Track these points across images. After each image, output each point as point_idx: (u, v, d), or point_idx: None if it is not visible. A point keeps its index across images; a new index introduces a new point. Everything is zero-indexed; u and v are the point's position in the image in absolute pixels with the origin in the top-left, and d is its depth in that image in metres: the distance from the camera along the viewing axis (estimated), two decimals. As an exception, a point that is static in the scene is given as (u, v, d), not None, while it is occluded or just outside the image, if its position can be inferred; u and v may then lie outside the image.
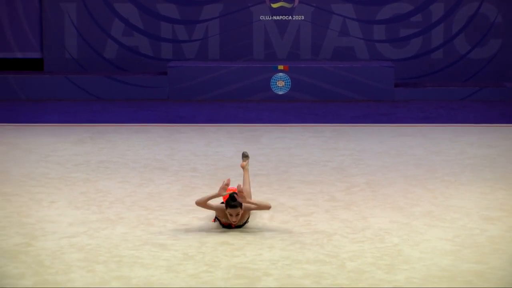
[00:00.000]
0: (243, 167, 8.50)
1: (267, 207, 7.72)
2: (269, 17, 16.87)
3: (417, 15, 16.78)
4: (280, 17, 16.89)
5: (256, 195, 8.91)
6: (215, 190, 7.75)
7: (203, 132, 12.65)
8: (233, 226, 7.59)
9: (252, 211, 7.80)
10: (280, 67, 16.07)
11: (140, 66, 16.81)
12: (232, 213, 7.47)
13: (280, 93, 16.05)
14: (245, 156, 8.66)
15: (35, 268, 6.52)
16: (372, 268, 6.64)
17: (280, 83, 16.02)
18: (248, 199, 7.65)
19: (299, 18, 16.92)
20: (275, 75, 16.06)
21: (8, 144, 11.51)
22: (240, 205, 7.48)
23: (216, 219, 7.71)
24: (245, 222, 7.69)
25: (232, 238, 7.38)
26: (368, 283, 6.31)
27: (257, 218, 8.01)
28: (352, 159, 10.75)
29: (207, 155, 10.99)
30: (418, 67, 16.79)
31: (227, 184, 7.65)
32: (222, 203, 7.68)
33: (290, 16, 16.89)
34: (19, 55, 16.73)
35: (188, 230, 7.62)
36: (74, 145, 11.54)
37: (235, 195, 7.48)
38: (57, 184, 9.37)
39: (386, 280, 6.38)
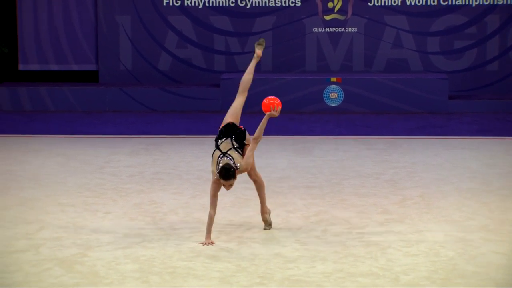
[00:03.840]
0: (259, 56, 8.74)
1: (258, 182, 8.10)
2: (322, 29, 16.85)
3: (471, 27, 16.61)
4: (333, 29, 16.86)
5: (309, 208, 8.89)
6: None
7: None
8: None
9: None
10: (333, 79, 16.04)
11: (193, 78, 16.91)
12: (226, 184, 7.60)
13: (333, 105, 16.01)
14: (259, 44, 8.66)
15: (91, 279, 6.59)
16: (427, 282, 6.57)
17: (333, 95, 15.98)
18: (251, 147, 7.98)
19: (352, 30, 16.87)
20: (328, 87, 16.03)
21: (64, 155, 11.66)
22: (234, 176, 7.59)
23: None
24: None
25: (285, 250, 7.38)
26: (422, 297, 6.26)
27: (310, 231, 7.98)
28: (405, 172, 10.67)
29: (260, 167, 10.95)
30: (473, 79, 16.61)
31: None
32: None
33: (343, 28, 16.85)
34: (75, 67, 16.95)
35: (241, 242, 7.62)
36: (129, 157, 11.64)
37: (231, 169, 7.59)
38: (111, 195, 9.46)
39: (441, 295, 6.32)
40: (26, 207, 8.86)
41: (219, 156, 7.75)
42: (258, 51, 8.60)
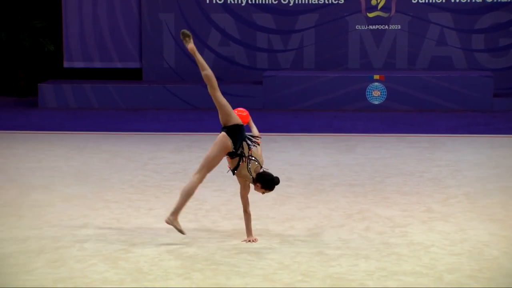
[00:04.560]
0: (192, 50, 7.83)
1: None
2: (365, 27, 16.78)
3: (517, 24, 16.44)
4: (376, 26, 16.78)
5: (351, 206, 8.86)
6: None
7: (298, 142, 12.66)
8: None
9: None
10: (376, 76, 15.97)
11: (236, 76, 16.94)
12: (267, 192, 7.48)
13: (376, 102, 15.94)
14: (185, 35, 7.85)
15: (134, 275, 6.64)
16: (471, 281, 6.52)
17: (376, 93, 15.91)
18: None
19: (396, 28, 16.77)
20: (370, 85, 15.96)
21: (108, 152, 11.76)
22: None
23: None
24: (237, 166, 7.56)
25: (328, 248, 7.36)
26: (466, 297, 6.21)
27: (352, 229, 7.97)
28: (449, 170, 10.59)
29: (301, 165, 10.99)
30: (518, 77, 16.44)
31: None
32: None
33: (386, 26, 16.76)
34: (119, 65, 17.09)
35: (283, 240, 7.63)
36: (172, 154, 11.70)
37: None
38: (155, 192, 9.52)
39: (485, 294, 6.27)
40: (71, 203, 8.95)
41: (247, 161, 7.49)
42: (189, 45, 7.89)
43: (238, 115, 7.65)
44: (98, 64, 17.16)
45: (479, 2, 16.53)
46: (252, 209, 8.71)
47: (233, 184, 9.88)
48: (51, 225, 8.08)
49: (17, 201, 9.01)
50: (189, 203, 8.91)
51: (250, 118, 7.91)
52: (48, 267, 6.79)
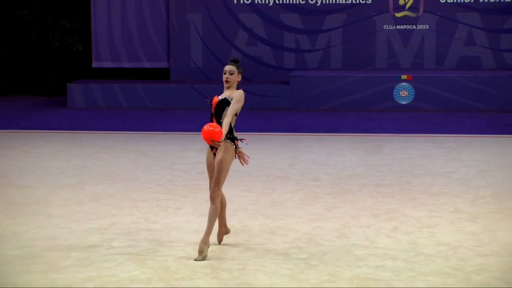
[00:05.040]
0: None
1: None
2: (393, 27, 16.72)
3: (546, 23, 16.31)
4: (404, 26, 16.70)
5: (379, 206, 8.83)
6: None
7: (325, 142, 12.64)
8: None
9: None
10: (404, 76, 15.90)
11: (263, 76, 16.95)
12: (227, 69, 7.15)
13: (403, 102, 15.87)
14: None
15: (162, 274, 6.66)
16: (499, 282, 6.47)
17: (403, 93, 15.84)
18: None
19: (424, 27, 16.69)
20: (398, 85, 15.89)
21: (136, 152, 11.81)
22: (238, 67, 7.17)
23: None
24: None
25: (355, 248, 7.34)
26: (494, 298, 6.17)
27: (380, 229, 7.94)
28: (477, 170, 10.52)
29: (329, 165, 10.97)
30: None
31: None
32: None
33: (414, 25, 16.68)
34: (147, 65, 17.16)
35: (310, 240, 7.62)
36: (199, 153, 11.71)
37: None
38: (182, 191, 9.54)
39: (513, 295, 6.23)
40: (99, 202, 9.00)
41: None
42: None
43: (210, 131, 7.01)
44: (126, 64, 17.24)
45: (508, 2, 16.40)
46: (278, 209, 8.73)
47: (260, 184, 9.89)
48: (79, 224, 8.13)
49: (46, 200, 9.07)
50: (217, 203, 8.94)
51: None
52: (77, 266, 6.83)
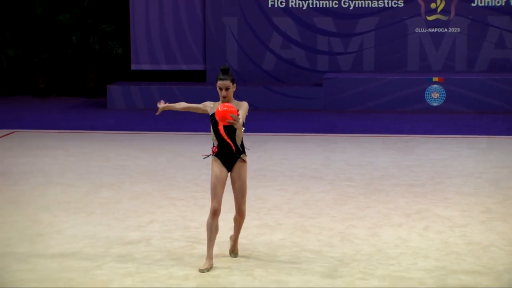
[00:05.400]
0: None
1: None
2: (425, 30, 16.63)
3: None
4: (436, 29, 16.61)
5: (410, 205, 8.80)
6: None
7: (358, 142, 12.61)
8: (220, 108, 6.64)
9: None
10: (435, 79, 15.81)
11: (297, 78, 16.95)
12: (222, 86, 6.76)
13: (435, 104, 15.79)
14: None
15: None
16: (530, 281, 6.43)
17: (435, 95, 15.76)
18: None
19: (455, 30, 16.59)
20: (429, 87, 15.81)
21: (173, 152, 11.87)
22: (232, 79, 6.77)
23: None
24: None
25: (387, 246, 7.33)
26: (525, 297, 6.13)
27: (412, 228, 7.91)
28: (507, 171, 10.44)
29: (362, 165, 10.95)
30: None
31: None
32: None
33: (445, 29, 16.59)
34: (184, 67, 17.23)
35: (343, 238, 7.61)
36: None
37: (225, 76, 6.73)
38: (218, 190, 9.55)
39: (544, 294, 6.17)
40: (138, 200, 9.06)
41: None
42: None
43: (224, 110, 6.63)
44: (164, 66, 17.33)
45: (539, 5, 16.26)
46: (312, 208, 8.73)
47: (293, 184, 9.90)
48: (119, 221, 8.19)
49: (87, 198, 9.15)
50: (252, 202, 8.98)
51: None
52: (117, 262, 6.89)
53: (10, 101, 17.78)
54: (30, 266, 6.76)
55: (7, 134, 13.37)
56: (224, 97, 6.82)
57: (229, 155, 6.84)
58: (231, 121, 6.63)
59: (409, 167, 10.72)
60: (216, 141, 6.85)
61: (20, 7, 18.12)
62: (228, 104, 6.74)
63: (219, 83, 6.80)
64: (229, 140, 6.79)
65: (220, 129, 6.77)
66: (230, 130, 6.81)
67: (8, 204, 8.87)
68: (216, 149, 6.85)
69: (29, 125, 14.38)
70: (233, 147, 6.82)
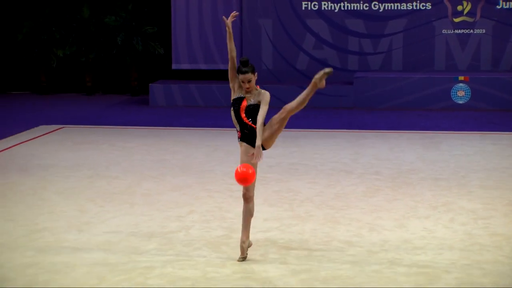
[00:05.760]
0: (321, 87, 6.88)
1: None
2: (451, 31, 16.50)
3: None
4: (462, 30, 16.47)
5: (436, 198, 8.74)
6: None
7: (386, 138, 12.55)
8: (246, 91, 6.64)
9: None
10: (461, 77, 15.68)
11: (328, 77, 16.82)
12: (244, 79, 6.63)
13: (460, 102, 15.66)
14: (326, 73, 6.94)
15: (235, 257, 6.69)
16: (550, 272, 6.35)
17: (461, 93, 15.63)
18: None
19: (481, 32, 16.43)
20: (455, 85, 15.68)
21: (210, 147, 11.90)
22: (252, 70, 6.61)
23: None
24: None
25: (414, 237, 7.28)
26: (546, 286, 6.05)
27: (437, 220, 7.86)
28: (530, 166, 10.33)
29: (389, 160, 10.89)
30: None
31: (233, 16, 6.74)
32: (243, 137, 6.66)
33: (471, 30, 16.44)
34: (221, 66, 17.25)
35: (371, 229, 7.58)
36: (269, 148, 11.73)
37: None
38: (253, 183, 9.56)
39: None
40: (178, 192, 9.10)
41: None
42: (323, 83, 6.97)
43: (243, 172, 6.43)
44: (202, 66, 17.37)
45: (561, 7, 16.05)
46: (342, 200, 8.70)
47: (325, 177, 9.88)
48: (160, 212, 8.23)
49: (130, 190, 9.21)
50: (285, 194, 8.98)
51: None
52: (158, 250, 6.93)
53: (59, 98, 17.96)
54: (77, 254, 6.83)
55: (56, 129, 13.50)
56: (247, 89, 6.73)
57: (252, 137, 6.74)
58: (255, 164, 6.53)
59: (434, 162, 10.65)
60: (238, 125, 6.81)
61: (69, 10, 18.28)
62: (246, 165, 6.48)
63: (241, 77, 6.68)
64: (250, 123, 6.69)
65: (242, 116, 6.72)
66: (252, 113, 6.70)
67: (57, 195, 8.96)
68: (240, 134, 6.83)
69: (77, 121, 14.50)
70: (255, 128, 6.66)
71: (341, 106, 15.99)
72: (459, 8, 16.46)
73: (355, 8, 16.76)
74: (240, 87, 6.79)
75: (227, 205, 8.52)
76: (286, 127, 11.65)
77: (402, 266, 6.49)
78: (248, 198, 6.71)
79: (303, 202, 8.64)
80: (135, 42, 17.66)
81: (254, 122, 6.71)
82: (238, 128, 6.81)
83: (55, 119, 14.63)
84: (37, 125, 13.84)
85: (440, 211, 8.17)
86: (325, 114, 15.14)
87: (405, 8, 16.62)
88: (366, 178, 9.78)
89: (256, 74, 6.76)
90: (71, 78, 18.88)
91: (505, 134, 12.85)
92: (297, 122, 14.28)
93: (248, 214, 6.72)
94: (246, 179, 6.43)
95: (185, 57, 17.39)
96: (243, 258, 6.67)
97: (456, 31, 16.50)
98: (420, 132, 13.16)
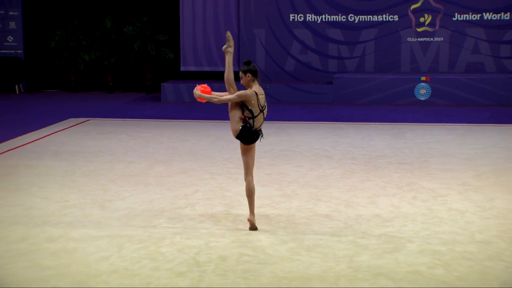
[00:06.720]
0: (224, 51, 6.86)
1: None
2: (415, 39, 16.47)
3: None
4: (423, 38, 16.45)
5: (402, 180, 8.73)
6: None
7: (360, 129, 12.53)
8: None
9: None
10: (423, 78, 15.67)
11: (312, 77, 16.88)
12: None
13: (422, 99, 15.65)
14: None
15: (233, 230, 6.68)
16: (497, 239, 6.37)
17: (423, 91, 15.62)
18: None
19: (439, 40, 16.41)
20: (418, 85, 15.67)
21: (214, 136, 11.87)
22: (243, 70, 6.51)
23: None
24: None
25: (383, 212, 7.28)
26: (493, 251, 6.06)
27: (402, 197, 7.85)
28: (481, 152, 10.33)
29: (363, 147, 10.88)
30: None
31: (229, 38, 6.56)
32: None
33: (431, 38, 16.42)
34: (222, 68, 17.16)
35: (348, 205, 7.58)
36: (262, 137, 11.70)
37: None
38: (249, 166, 9.52)
39: (509, 250, 6.10)
40: (185, 174, 9.07)
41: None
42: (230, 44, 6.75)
43: (203, 91, 6.60)
44: (206, 68, 17.32)
45: (507, 19, 16.03)
46: (323, 181, 8.69)
47: (309, 162, 9.86)
48: (170, 191, 8.22)
49: (145, 173, 9.19)
50: (275, 176, 8.96)
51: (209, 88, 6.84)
52: (168, 223, 6.92)
53: (85, 96, 17.90)
54: (101, 226, 6.82)
55: (83, 122, 13.46)
56: (245, 85, 6.72)
57: (250, 129, 6.76)
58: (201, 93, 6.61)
59: (400, 149, 10.64)
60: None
61: (94, 21, 18.21)
62: (202, 85, 6.77)
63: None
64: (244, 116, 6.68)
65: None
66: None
67: (84, 176, 8.93)
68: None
69: (100, 114, 14.46)
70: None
71: (323, 102, 15.97)
72: (421, 19, 16.43)
73: (335, 20, 16.72)
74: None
75: (226, 185, 8.50)
76: (278, 120, 11.77)
77: (373, 236, 6.50)
78: (244, 180, 6.71)
79: (290, 182, 8.64)
80: (149, 48, 17.59)
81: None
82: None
83: (82, 113, 14.59)
84: (67, 118, 13.79)
85: (404, 190, 8.18)
86: (309, 109, 15.12)
87: (376, 19, 16.59)
88: (344, 163, 9.77)
89: (248, 75, 6.71)
90: (95, 79, 18.82)
91: (460, 125, 12.84)
92: (286, 115, 14.26)
93: (247, 193, 6.68)
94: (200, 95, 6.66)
95: (191, 61, 17.33)
96: (252, 228, 6.58)
97: (419, 39, 16.47)
98: (389, 124, 13.15)
